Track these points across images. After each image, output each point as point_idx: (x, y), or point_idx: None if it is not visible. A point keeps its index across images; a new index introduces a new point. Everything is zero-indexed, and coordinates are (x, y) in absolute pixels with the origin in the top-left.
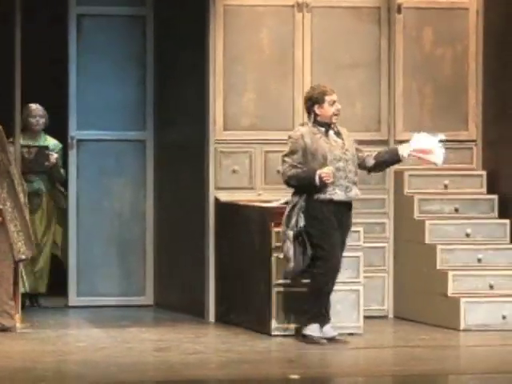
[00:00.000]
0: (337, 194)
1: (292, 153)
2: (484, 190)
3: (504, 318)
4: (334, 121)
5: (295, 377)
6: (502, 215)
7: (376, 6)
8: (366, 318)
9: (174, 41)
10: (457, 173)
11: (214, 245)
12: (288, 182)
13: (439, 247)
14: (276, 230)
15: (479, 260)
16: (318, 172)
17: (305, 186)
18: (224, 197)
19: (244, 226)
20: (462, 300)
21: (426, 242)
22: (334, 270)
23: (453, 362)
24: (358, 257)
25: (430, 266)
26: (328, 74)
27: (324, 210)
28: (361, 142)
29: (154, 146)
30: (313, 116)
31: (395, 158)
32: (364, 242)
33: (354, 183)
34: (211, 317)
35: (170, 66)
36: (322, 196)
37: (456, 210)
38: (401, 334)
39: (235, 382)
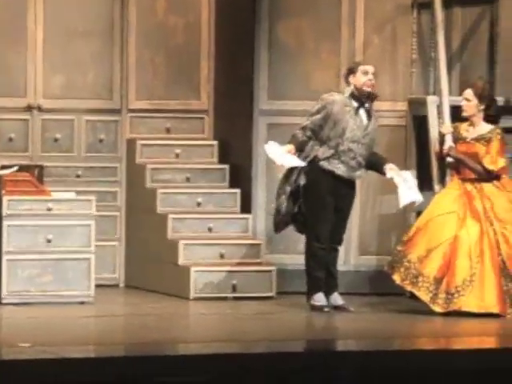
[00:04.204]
0: (340, 169)
1: (317, 112)
2: (215, 159)
3: (234, 286)
4: (365, 90)
5: (25, 345)
6: (232, 185)
7: None
8: (98, 286)
9: None
10: (188, 142)
11: None
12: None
13: (170, 216)
14: (8, 197)
15: (210, 229)
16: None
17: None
18: None
19: None
20: (192, 269)
21: (158, 211)
22: (324, 236)
23: (182, 331)
24: (89, 225)
25: (161, 235)
26: (61, 41)
27: (324, 178)
28: (93, 111)
29: None
30: (351, 89)
31: (379, 171)
32: (96, 211)
33: (361, 166)
34: None
35: None
36: (325, 165)
37: (187, 180)
38: (132, 303)
39: None
